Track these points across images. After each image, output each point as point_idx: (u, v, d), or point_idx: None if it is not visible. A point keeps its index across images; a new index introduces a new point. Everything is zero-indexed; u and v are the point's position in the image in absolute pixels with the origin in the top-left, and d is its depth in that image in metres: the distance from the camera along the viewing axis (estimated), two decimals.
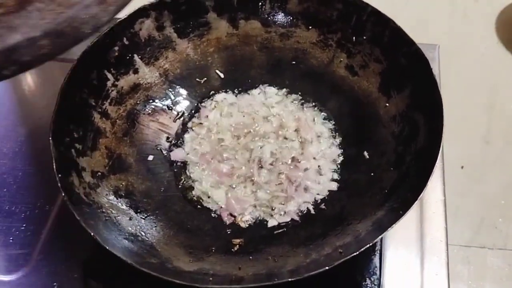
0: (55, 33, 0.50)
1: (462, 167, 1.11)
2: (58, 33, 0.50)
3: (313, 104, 0.87)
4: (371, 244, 0.59)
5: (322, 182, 0.79)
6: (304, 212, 0.76)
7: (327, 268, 0.58)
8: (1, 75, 0.49)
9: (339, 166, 0.80)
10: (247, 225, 0.75)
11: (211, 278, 0.61)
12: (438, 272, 0.73)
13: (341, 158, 0.81)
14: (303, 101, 0.88)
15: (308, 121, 0.85)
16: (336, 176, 0.79)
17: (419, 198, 0.62)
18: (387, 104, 0.79)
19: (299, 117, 0.85)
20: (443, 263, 0.74)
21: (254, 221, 0.75)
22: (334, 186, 0.78)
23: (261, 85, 0.89)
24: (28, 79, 0.99)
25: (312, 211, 0.76)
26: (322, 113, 0.86)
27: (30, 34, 0.49)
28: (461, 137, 1.15)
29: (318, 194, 0.78)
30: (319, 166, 0.80)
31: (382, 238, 0.74)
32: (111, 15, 0.55)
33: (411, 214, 0.78)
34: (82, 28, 0.51)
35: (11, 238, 0.78)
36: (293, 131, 0.84)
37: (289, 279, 0.58)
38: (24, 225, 0.79)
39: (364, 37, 0.82)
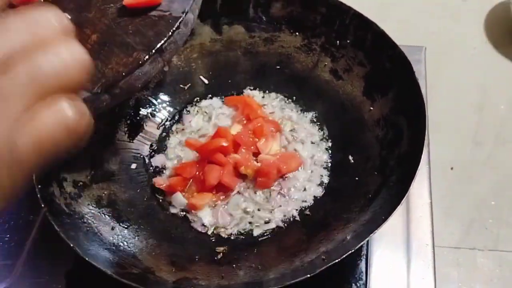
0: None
1: (451, 168, 1.11)
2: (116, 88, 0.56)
3: (301, 108, 0.87)
4: (353, 250, 0.58)
5: (308, 188, 0.78)
6: (290, 218, 0.75)
7: (308, 276, 0.57)
8: None
9: (328, 172, 0.80)
10: (230, 236, 0.74)
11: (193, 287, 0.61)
12: (425, 276, 0.73)
13: (329, 163, 0.81)
14: (291, 102, 0.88)
15: (301, 122, 0.85)
16: (325, 181, 0.79)
17: (401, 203, 0.61)
18: (371, 108, 0.79)
19: (291, 116, 0.85)
20: (430, 267, 0.74)
21: (238, 231, 0.74)
22: (319, 191, 0.77)
23: (248, 88, 0.89)
24: None
25: (297, 218, 0.75)
26: (310, 116, 0.86)
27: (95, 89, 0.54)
28: (451, 138, 1.14)
29: (304, 201, 0.77)
30: (311, 171, 0.79)
31: (368, 242, 0.74)
32: (158, 71, 0.59)
33: (398, 218, 0.78)
34: (136, 84, 0.57)
35: None
36: (288, 131, 0.84)
37: None
38: (8, 235, 0.78)
39: (348, 41, 0.82)
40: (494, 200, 1.08)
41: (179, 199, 0.76)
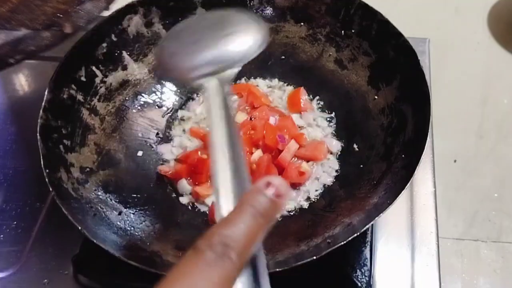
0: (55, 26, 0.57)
1: (455, 161, 1.11)
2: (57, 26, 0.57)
3: (306, 97, 0.87)
4: (359, 233, 0.59)
5: (321, 177, 0.78)
6: (297, 207, 0.76)
7: (314, 258, 0.58)
8: (8, 64, 0.55)
9: (338, 161, 0.80)
10: None
11: None
12: (429, 263, 0.73)
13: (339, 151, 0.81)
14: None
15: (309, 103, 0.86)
16: (335, 169, 0.79)
17: (406, 187, 0.61)
18: (376, 97, 0.79)
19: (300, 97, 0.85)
20: (434, 254, 0.74)
21: None
22: (330, 180, 0.78)
23: (252, 78, 0.90)
24: (20, 77, 0.99)
25: (305, 205, 0.76)
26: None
27: (34, 27, 0.55)
28: (454, 131, 1.15)
29: (317, 190, 0.77)
30: (328, 159, 0.79)
31: (372, 230, 0.74)
32: (101, 10, 0.61)
33: (402, 206, 0.79)
34: (77, 22, 0.59)
35: (1, 235, 0.77)
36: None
37: (277, 269, 0.57)
38: (15, 222, 0.79)
39: (353, 31, 0.83)
40: (497, 192, 1.08)
41: (184, 186, 0.76)
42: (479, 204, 1.07)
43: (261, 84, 0.89)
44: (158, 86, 0.85)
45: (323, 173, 0.79)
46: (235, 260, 0.32)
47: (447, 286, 0.98)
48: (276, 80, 0.90)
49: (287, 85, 0.90)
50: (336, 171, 0.79)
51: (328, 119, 0.85)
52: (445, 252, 0.96)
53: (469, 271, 0.99)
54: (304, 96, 0.86)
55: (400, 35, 0.76)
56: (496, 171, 1.10)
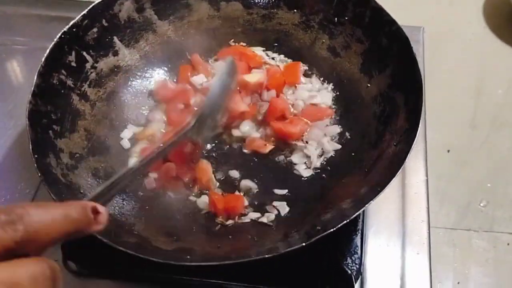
0: None
1: (448, 151, 1.11)
2: None
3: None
4: (349, 220, 0.58)
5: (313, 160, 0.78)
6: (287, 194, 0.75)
7: (303, 244, 0.57)
8: None
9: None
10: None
11: (188, 256, 0.61)
12: (420, 251, 0.73)
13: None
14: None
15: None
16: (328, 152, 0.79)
17: (397, 174, 0.61)
18: (369, 85, 0.79)
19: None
20: (425, 243, 0.74)
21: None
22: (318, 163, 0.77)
23: None
24: (12, 63, 0.98)
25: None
26: None
27: None
28: (448, 121, 1.14)
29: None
30: (322, 149, 0.79)
31: (363, 218, 0.74)
32: None
33: (394, 195, 0.78)
34: None
35: None
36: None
37: (266, 256, 0.57)
38: None
39: (346, 18, 0.82)
40: (490, 183, 1.08)
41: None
42: (471, 194, 1.07)
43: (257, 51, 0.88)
44: (150, 72, 0.85)
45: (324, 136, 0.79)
46: (18, 234, 0.33)
47: (439, 275, 0.98)
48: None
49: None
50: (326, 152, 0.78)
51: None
52: (437, 242, 0.96)
53: (461, 261, 0.99)
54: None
55: (393, 22, 0.76)
56: (489, 161, 1.10)
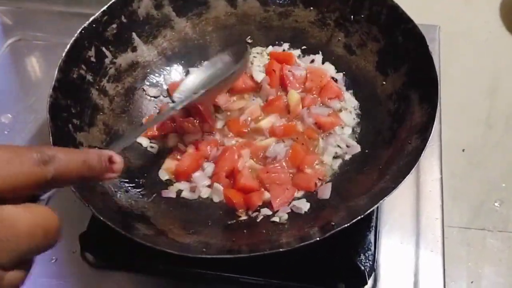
0: None
1: (463, 150, 1.11)
2: None
3: None
4: (362, 216, 0.59)
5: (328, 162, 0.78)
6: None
7: (318, 239, 0.58)
8: None
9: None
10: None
11: (204, 249, 0.62)
12: (434, 248, 0.73)
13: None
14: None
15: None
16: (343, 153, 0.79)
17: (411, 172, 0.61)
18: (384, 83, 0.79)
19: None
20: (439, 240, 0.74)
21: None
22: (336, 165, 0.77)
23: None
24: (31, 59, 1.00)
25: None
26: None
27: None
28: (463, 120, 1.14)
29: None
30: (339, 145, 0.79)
31: (377, 215, 0.74)
32: None
33: (408, 192, 0.78)
34: None
35: None
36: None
37: (280, 250, 0.58)
38: None
39: (362, 16, 0.82)
40: (505, 182, 1.08)
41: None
42: (486, 193, 1.07)
43: None
44: (167, 68, 0.86)
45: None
46: (50, 174, 0.36)
47: (452, 274, 0.98)
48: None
49: None
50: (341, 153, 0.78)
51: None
52: (451, 241, 0.96)
53: (475, 260, 0.99)
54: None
55: (409, 20, 0.76)
56: (503, 161, 1.10)
